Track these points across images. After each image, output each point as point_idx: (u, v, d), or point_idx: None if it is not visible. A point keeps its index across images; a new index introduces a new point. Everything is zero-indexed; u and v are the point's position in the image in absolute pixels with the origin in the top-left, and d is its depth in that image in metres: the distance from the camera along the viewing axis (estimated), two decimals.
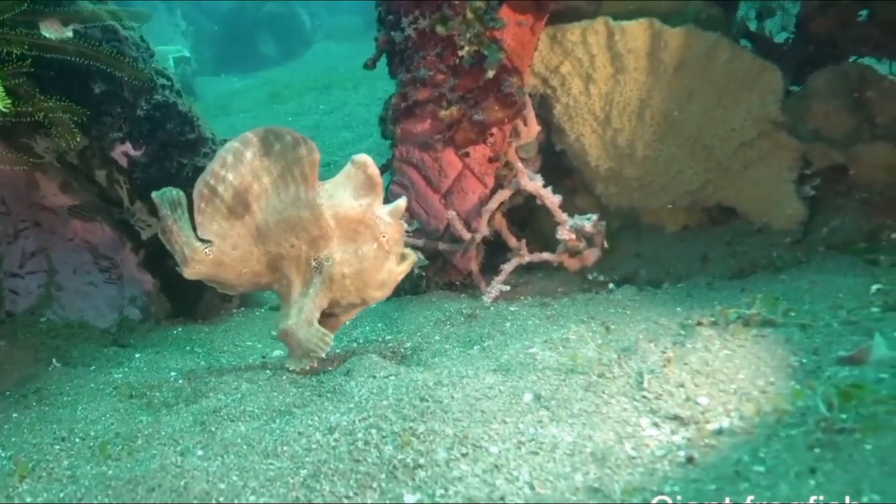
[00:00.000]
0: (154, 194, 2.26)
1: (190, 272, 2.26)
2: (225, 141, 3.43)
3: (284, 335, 2.28)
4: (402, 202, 2.19)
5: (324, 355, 2.25)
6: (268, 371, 2.39)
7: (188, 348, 2.99)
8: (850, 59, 2.84)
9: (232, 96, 11.47)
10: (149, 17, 2.77)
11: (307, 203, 2.12)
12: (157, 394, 2.31)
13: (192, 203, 2.20)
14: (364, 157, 2.12)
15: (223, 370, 2.49)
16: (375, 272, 2.18)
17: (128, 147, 3.04)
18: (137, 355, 2.84)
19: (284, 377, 2.29)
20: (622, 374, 1.89)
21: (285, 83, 11.45)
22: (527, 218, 3.33)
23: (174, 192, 2.26)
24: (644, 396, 1.77)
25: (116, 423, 2.09)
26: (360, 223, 2.14)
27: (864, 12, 2.77)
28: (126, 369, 2.63)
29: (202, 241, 2.22)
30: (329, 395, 2.05)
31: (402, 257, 2.23)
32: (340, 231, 2.15)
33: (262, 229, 2.18)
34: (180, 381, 2.40)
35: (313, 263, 2.19)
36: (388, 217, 2.16)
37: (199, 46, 14.56)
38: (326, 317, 2.31)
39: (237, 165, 2.10)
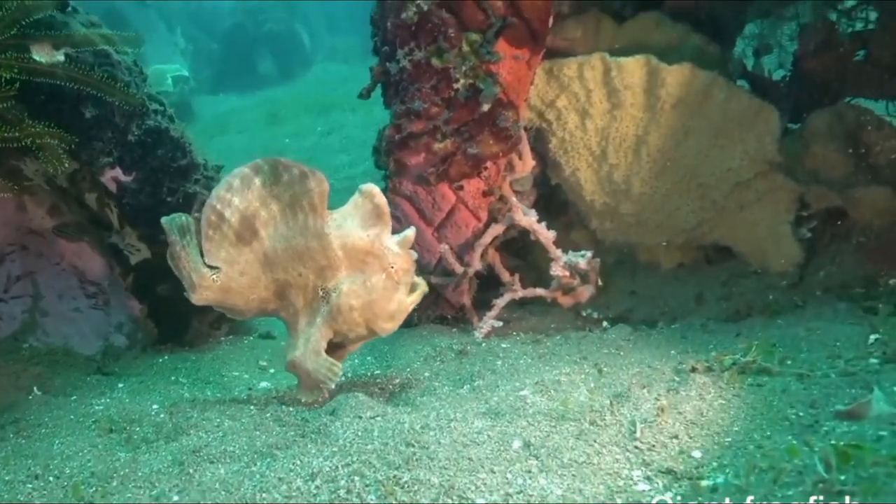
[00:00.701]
0: (163, 220, 2.26)
1: (198, 298, 2.25)
2: (218, 168, 3.44)
3: (293, 366, 2.26)
4: (410, 232, 2.17)
5: (332, 386, 2.23)
6: (252, 407, 2.33)
7: (173, 378, 2.93)
8: (847, 100, 2.82)
9: (230, 116, 11.47)
10: (142, 42, 2.74)
11: (315, 232, 2.11)
12: (138, 428, 2.25)
13: (200, 229, 2.20)
14: (371, 187, 2.11)
15: (207, 403, 2.44)
16: (385, 303, 2.15)
17: (117, 172, 3.00)
18: (121, 385, 2.78)
19: (268, 414, 2.23)
20: (614, 421, 1.84)
21: (284, 104, 11.46)
22: (522, 250, 3.29)
23: (183, 218, 2.26)
24: (637, 447, 1.72)
25: (93, 459, 2.03)
26: (369, 254, 2.13)
27: (861, 52, 2.76)
28: (108, 400, 2.57)
29: (210, 267, 2.22)
30: (313, 435, 2.00)
31: (413, 287, 2.20)
32: (349, 261, 2.14)
33: (270, 256, 2.17)
34: (162, 416, 2.34)
35: (320, 293, 2.18)
36: (396, 247, 2.14)
37: (197, 65, 14.59)
38: (334, 347, 2.29)
39: (244, 190, 2.11)
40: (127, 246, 3.28)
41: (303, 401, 2.27)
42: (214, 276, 2.21)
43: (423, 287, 2.22)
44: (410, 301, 2.19)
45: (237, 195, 2.12)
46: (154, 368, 3.06)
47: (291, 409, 2.28)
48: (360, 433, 1.92)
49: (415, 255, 2.19)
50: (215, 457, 1.92)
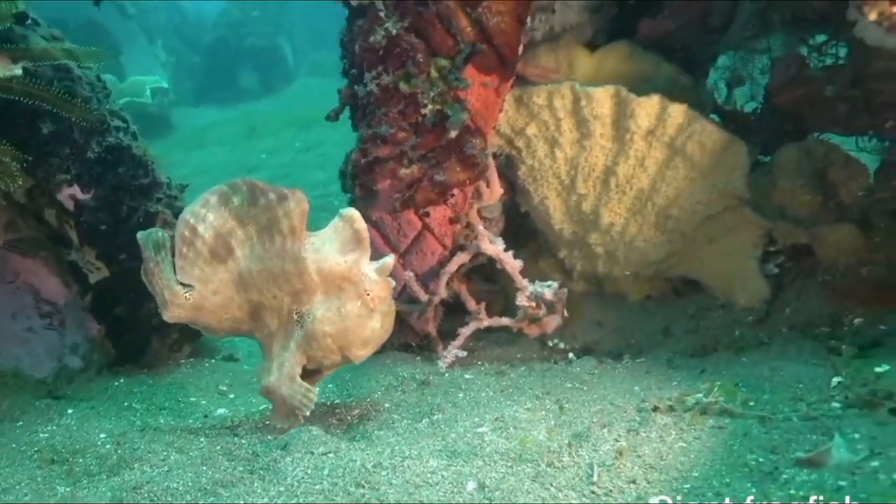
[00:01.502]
0: (139, 235, 2.26)
1: (169, 315, 2.24)
2: (182, 187, 3.37)
3: (267, 392, 2.23)
4: (389, 260, 2.14)
5: (307, 413, 2.18)
6: (202, 439, 2.26)
7: (126, 403, 2.84)
8: (816, 135, 2.82)
9: (209, 129, 11.40)
10: (105, 57, 2.68)
11: (292, 256, 2.08)
12: (81, 460, 2.17)
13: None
14: (352, 212, 2.07)
15: (157, 433, 2.36)
16: (359, 330, 2.12)
17: (75, 190, 2.92)
18: (70, 410, 2.69)
19: (219, 447, 2.16)
20: (572, 463, 1.79)
21: (263, 118, 11.41)
22: (491, 276, 3.24)
23: (159, 234, 2.25)
24: (593, 492, 1.67)
25: (30, 494, 1.95)
26: (345, 279, 2.09)
27: (830, 88, 2.76)
28: (54, 427, 2.48)
29: (183, 284, 2.19)
30: (262, 471, 1.92)
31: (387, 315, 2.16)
32: (325, 286, 2.11)
33: (245, 277, 2.14)
34: (108, 446, 2.26)
35: (295, 316, 2.15)
36: (374, 274, 2.10)
37: (179, 78, 14.53)
38: (308, 372, 2.25)
39: (220, 208, 2.09)
40: (86, 264, 3.19)
41: (277, 427, 2.23)
42: (187, 294, 2.19)
43: (392, 315, 2.18)
44: (384, 328, 2.15)
45: (213, 211, 2.09)
46: (108, 392, 2.97)
47: (244, 440, 2.21)
48: (309, 471, 1.86)
49: (393, 282, 2.15)
50: (157, 494, 1.85)
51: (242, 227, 2.10)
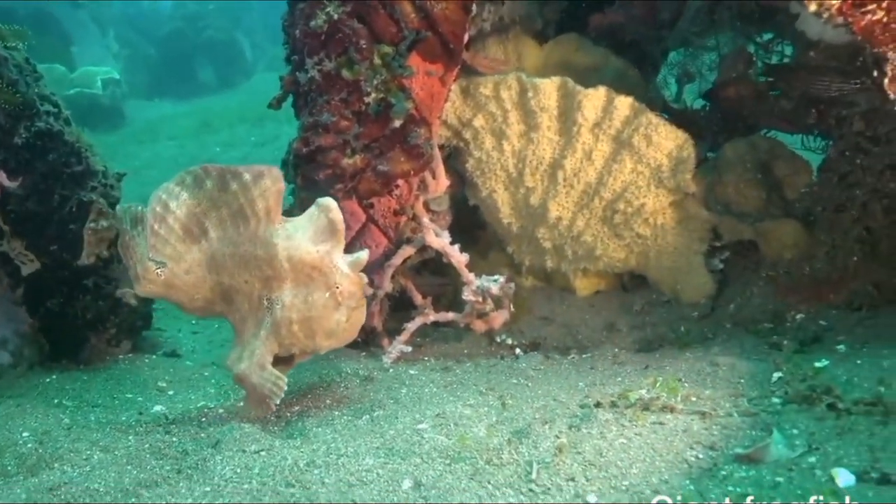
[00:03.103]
0: (118, 207, 2.26)
1: (141, 290, 2.25)
2: (119, 176, 3.23)
3: (239, 379, 2.22)
4: (363, 255, 2.11)
5: (278, 401, 2.16)
6: (131, 437, 2.16)
7: (56, 401, 2.71)
8: (763, 132, 2.83)
9: (162, 122, 11.15)
10: (29, 36, 2.55)
11: (263, 241, 2.06)
12: None
13: None
14: (328, 201, 2.04)
15: (85, 431, 2.26)
16: (324, 321, 2.10)
17: (1, 177, 2.77)
18: None
19: (147, 445, 2.07)
20: (511, 461, 1.75)
21: (219, 112, 11.20)
22: (440, 270, 3.19)
23: (138, 208, 2.22)
24: (531, 490, 1.62)
25: None
26: (315, 269, 2.06)
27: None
28: None
29: (156, 262, 2.18)
30: (189, 471, 1.84)
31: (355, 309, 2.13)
32: (294, 274, 2.08)
33: (218, 259, 2.14)
34: (30, 445, 2.15)
35: (265, 303, 2.13)
36: (346, 267, 2.07)
37: (133, 69, 14.21)
38: (280, 360, 2.24)
39: (195, 188, 2.08)
40: (18, 255, 3.04)
41: (249, 415, 2.21)
42: (159, 271, 2.17)
43: (362, 309, 2.16)
44: (350, 321, 2.12)
45: (187, 190, 2.08)
46: (38, 389, 2.84)
47: (175, 438, 2.12)
48: (239, 470, 1.79)
49: (365, 278, 2.12)
50: (75, 496, 1.76)
51: (216, 210, 2.08)
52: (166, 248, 2.15)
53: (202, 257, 2.15)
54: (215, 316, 2.31)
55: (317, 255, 2.05)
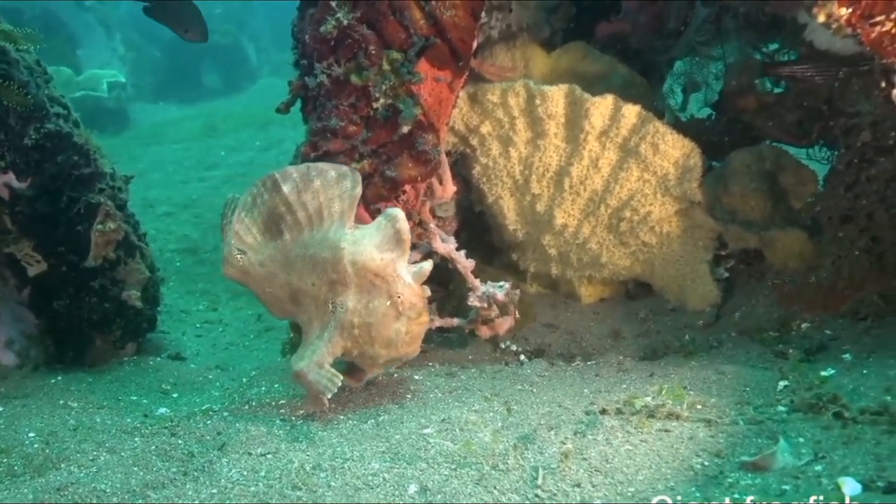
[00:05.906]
0: (229, 196, 2.38)
1: (225, 272, 2.36)
2: (128, 178, 3.26)
3: (296, 377, 2.25)
4: (427, 265, 2.16)
5: (330, 395, 2.20)
6: (137, 439, 2.17)
7: (62, 402, 2.71)
8: (768, 142, 2.84)
9: (167, 125, 11.17)
10: (41, 41, 2.56)
11: (331, 244, 2.13)
12: (6, 459, 2.07)
13: None
14: (397, 212, 2.10)
15: (91, 432, 2.26)
16: (383, 329, 2.13)
17: (10, 178, 2.79)
18: (0, 408, 2.56)
19: (153, 446, 2.08)
20: (517, 466, 1.75)
21: (224, 116, 11.22)
22: (445, 277, 3.19)
23: (241, 197, 2.34)
24: (537, 495, 1.63)
25: None
26: (379, 276, 2.10)
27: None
28: None
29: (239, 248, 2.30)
30: (196, 473, 1.85)
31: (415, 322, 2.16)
32: (358, 280, 2.12)
33: (291, 260, 2.22)
34: (36, 445, 2.16)
35: (330, 306, 2.16)
36: (409, 278, 2.11)
37: (139, 72, 14.24)
38: (354, 369, 2.33)
39: (273, 192, 2.19)
40: (24, 257, 3.06)
41: (307, 410, 2.27)
42: (239, 256, 2.30)
43: (425, 318, 2.20)
44: (411, 332, 2.16)
45: (268, 192, 2.20)
46: (44, 390, 2.84)
47: (181, 441, 2.13)
48: (245, 473, 1.81)
49: (428, 291, 2.17)
50: (81, 496, 1.77)
51: (291, 214, 2.18)
52: (248, 237, 2.27)
53: (277, 253, 2.23)
54: (286, 316, 2.39)
55: (381, 262, 2.09)
